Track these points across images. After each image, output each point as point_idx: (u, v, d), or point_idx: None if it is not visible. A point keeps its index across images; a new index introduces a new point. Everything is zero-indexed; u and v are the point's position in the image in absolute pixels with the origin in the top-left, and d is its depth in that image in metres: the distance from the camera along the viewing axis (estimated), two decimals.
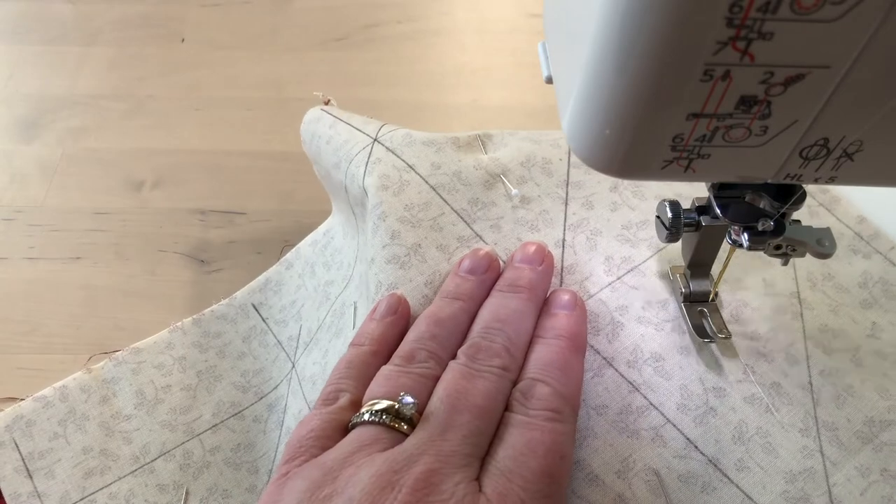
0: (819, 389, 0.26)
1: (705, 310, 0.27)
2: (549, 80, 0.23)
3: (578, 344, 0.26)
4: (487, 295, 0.28)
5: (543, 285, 0.28)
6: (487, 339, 0.26)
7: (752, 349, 0.27)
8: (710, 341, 0.27)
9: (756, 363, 0.27)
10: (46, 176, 0.45)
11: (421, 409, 0.24)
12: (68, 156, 0.46)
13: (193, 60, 0.52)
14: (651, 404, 0.26)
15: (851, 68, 0.15)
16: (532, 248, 0.29)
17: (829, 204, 0.31)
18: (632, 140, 0.18)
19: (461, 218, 0.31)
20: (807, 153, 0.18)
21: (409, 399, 0.24)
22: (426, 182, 0.32)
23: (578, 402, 0.25)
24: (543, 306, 0.28)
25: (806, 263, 0.30)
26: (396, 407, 0.24)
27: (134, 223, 0.43)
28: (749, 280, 0.29)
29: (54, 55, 0.52)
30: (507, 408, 0.25)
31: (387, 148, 0.33)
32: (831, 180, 0.19)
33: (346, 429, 0.25)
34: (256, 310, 0.38)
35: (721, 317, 0.28)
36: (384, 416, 0.24)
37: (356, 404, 0.26)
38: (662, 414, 0.26)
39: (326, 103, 0.38)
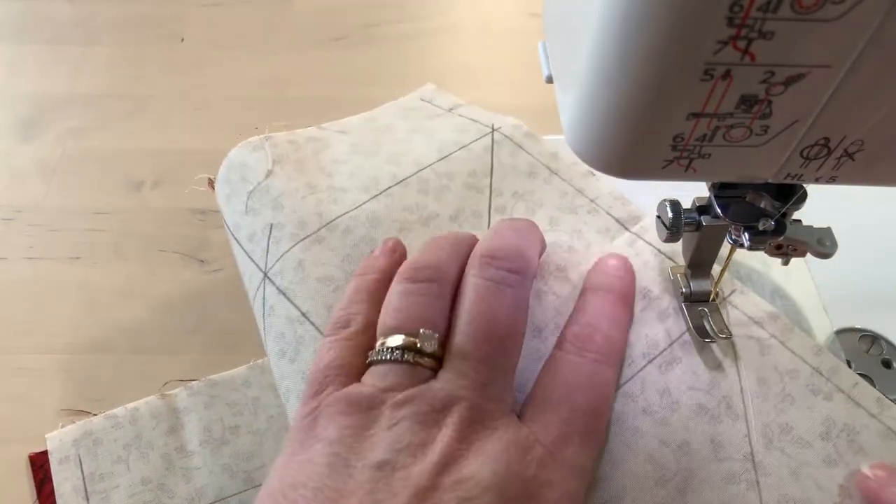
0: None
1: (705, 310, 0.27)
2: (550, 80, 0.23)
3: (628, 301, 0.27)
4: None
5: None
6: (498, 251, 0.25)
7: None
8: (711, 341, 0.27)
9: None
10: (46, 176, 0.45)
11: (442, 338, 0.23)
12: (68, 156, 0.46)
13: (193, 60, 0.52)
14: None
15: (852, 68, 0.15)
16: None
17: (782, 335, 0.27)
18: (632, 140, 0.18)
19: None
20: (807, 153, 0.18)
21: (429, 333, 0.22)
22: (322, 335, 0.28)
23: (623, 353, 0.26)
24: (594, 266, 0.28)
25: (760, 411, 0.26)
26: (418, 344, 0.22)
27: (134, 223, 0.43)
28: (694, 441, 0.25)
29: (54, 55, 0.52)
30: (557, 346, 0.25)
31: (278, 289, 0.29)
32: (832, 180, 0.19)
33: (365, 352, 0.24)
34: None
35: (721, 317, 0.27)
36: (406, 354, 0.22)
37: (371, 326, 0.24)
38: None
39: (210, 184, 0.35)
